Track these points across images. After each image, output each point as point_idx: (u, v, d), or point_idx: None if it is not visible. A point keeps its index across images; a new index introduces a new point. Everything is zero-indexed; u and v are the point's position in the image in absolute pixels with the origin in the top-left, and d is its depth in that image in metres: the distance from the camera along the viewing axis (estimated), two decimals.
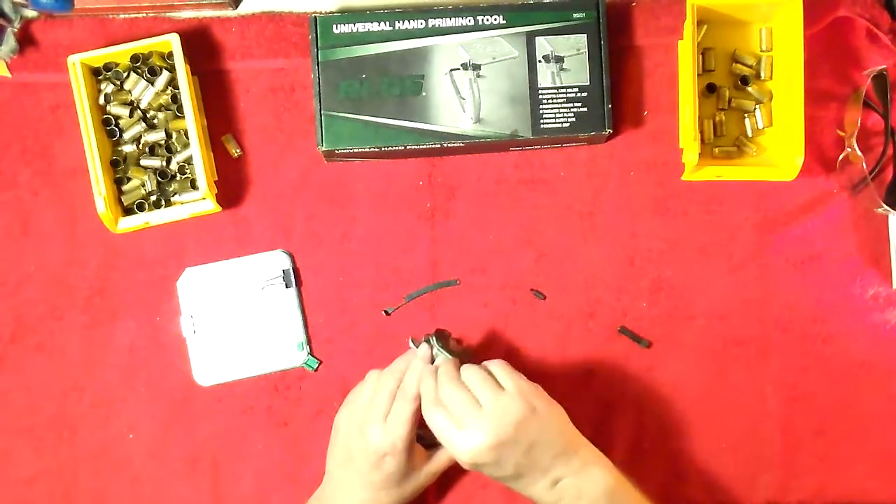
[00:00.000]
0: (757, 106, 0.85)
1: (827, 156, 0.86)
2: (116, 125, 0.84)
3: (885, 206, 0.82)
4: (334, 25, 0.82)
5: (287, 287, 0.84)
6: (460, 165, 0.86)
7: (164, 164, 0.84)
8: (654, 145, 0.86)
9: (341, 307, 0.85)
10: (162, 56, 0.84)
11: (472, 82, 0.81)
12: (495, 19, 0.82)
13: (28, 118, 0.86)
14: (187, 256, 0.85)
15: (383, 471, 0.73)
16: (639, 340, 0.85)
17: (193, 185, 0.83)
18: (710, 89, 0.85)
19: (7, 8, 0.83)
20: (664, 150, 0.86)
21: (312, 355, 0.84)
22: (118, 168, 0.84)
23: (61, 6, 0.79)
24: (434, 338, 0.78)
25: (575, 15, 0.82)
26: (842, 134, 0.86)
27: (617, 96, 0.85)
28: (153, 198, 0.84)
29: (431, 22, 0.82)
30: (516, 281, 0.85)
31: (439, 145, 0.82)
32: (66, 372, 0.84)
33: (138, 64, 0.83)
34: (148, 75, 0.84)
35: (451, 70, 0.81)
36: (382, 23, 0.82)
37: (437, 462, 0.76)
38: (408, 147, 0.82)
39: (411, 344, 0.79)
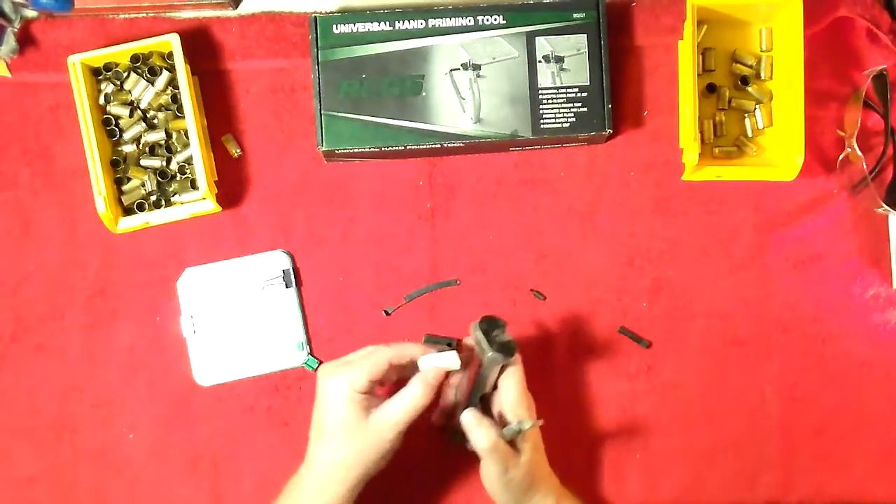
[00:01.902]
0: (757, 106, 0.85)
1: (827, 156, 0.86)
2: (116, 125, 0.84)
3: (885, 206, 0.82)
4: (334, 25, 0.82)
5: (287, 287, 0.84)
6: (460, 165, 0.86)
7: (164, 164, 0.84)
8: (654, 145, 0.86)
9: (341, 307, 0.85)
10: (162, 56, 0.84)
11: (472, 82, 0.81)
12: (495, 19, 0.82)
13: (28, 118, 0.86)
14: (187, 256, 0.85)
15: (335, 418, 0.71)
16: (639, 340, 0.85)
17: (193, 185, 0.83)
18: (710, 89, 0.85)
19: (7, 8, 0.83)
20: (664, 150, 0.86)
21: (312, 355, 0.84)
22: (118, 168, 0.84)
23: (61, 6, 0.79)
24: (479, 328, 0.72)
25: (575, 15, 0.82)
26: (842, 134, 0.86)
27: (617, 96, 0.85)
28: (153, 198, 0.84)
29: (431, 22, 0.82)
30: (516, 281, 0.85)
31: (439, 145, 0.82)
32: (66, 372, 0.84)
33: (138, 64, 0.83)
34: (148, 75, 0.84)
35: (451, 70, 0.81)
36: (382, 23, 0.82)
37: (389, 410, 0.71)
38: (408, 147, 0.82)
39: (472, 330, 0.73)
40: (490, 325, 0.72)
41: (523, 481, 0.72)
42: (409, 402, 0.71)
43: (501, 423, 0.74)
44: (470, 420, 0.72)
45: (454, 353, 0.73)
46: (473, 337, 0.72)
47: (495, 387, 0.75)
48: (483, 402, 0.75)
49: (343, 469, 0.71)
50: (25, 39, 0.86)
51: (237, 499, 0.84)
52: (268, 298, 0.84)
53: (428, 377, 0.72)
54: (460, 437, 0.75)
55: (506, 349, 0.71)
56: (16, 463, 0.84)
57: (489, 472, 0.72)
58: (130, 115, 0.84)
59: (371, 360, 0.72)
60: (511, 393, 0.74)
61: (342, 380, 0.71)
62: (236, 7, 0.87)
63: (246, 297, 0.84)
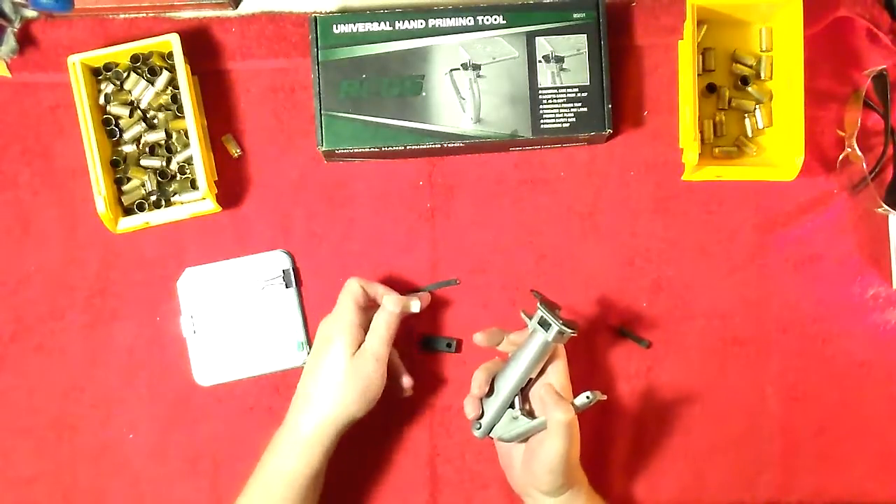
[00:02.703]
0: (757, 106, 0.85)
1: (827, 156, 0.86)
2: (116, 125, 0.84)
3: (885, 206, 0.82)
4: (334, 25, 0.82)
5: (287, 287, 0.84)
6: (460, 165, 0.86)
7: (164, 164, 0.84)
8: (654, 145, 0.86)
9: None
10: (162, 56, 0.84)
11: (472, 82, 0.81)
12: (495, 19, 0.82)
13: (28, 118, 0.86)
14: (187, 256, 0.85)
15: (328, 357, 0.76)
16: (639, 340, 0.85)
17: (193, 185, 0.83)
18: (710, 89, 0.85)
19: (7, 8, 0.83)
20: (664, 150, 0.86)
21: None
22: (118, 168, 0.84)
23: (61, 6, 0.79)
24: (544, 308, 0.74)
25: (575, 15, 0.82)
26: (842, 134, 0.86)
27: (617, 96, 0.85)
28: (153, 198, 0.84)
29: (431, 22, 0.82)
30: (516, 281, 0.85)
31: (439, 145, 0.82)
32: (66, 372, 0.84)
33: (138, 64, 0.83)
34: (148, 75, 0.84)
35: (451, 70, 0.81)
36: (382, 23, 0.82)
37: (365, 344, 0.77)
38: (408, 147, 0.82)
39: (524, 317, 0.76)
40: (550, 307, 0.75)
41: (573, 466, 0.73)
42: (377, 330, 0.77)
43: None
44: (550, 394, 0.73)
45: (417, 298, 0.80)
46: (535, 319, 0.74)
47: (539, 373, 0.76)
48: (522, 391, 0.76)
49: (332, 413, 0.75)
50: (25, 39, 0.85)
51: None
52: (268, 298, 0.84)
53: (388, 306, 0.77)
54: (484, 430, 0.76)
55: (570, 325, 0.73)
56: (16, 463, 0.84)
57: (555, 449, 0.72)
58: (130, 115, 0.84)
59: (349, 290, 0.78)
60: (562, 373, 0.76)
61: (342, 319, 0.77)
62: (236, 7, 0.87)
63: (246, 297, 0.84)
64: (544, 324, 0.73)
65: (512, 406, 0.75)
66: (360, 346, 0.76)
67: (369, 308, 0.79)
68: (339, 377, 0.75)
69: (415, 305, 0.80)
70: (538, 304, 0.74)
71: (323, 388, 0.76)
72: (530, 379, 0.75)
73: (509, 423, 0.75)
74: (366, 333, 0.77)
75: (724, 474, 0.84)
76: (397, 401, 0.81)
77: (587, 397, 0.72)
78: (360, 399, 0.75)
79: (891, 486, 0.84)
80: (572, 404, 0.72)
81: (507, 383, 0.75)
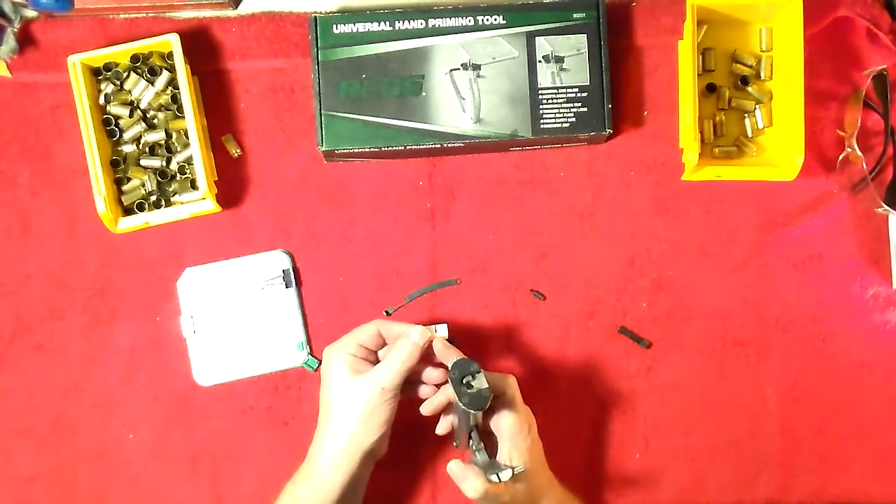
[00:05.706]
0: (757, 106, 0.85)
1: (827, 156, 0.86)
2: (116, 125, 0.84)
3: (885, 206, 0.82)
4: (334, 25, 0.82)
5: (287, 287, 0.84)
6: (460, 165, 0.86)
7: (164, 164, 0.84)
8: (654, 145, 0.86)
9: (341, 307, 0.85)
10: (162, 56, 0.84)
11: (472, 82, 0.81)
12: (495, 19, 0.82)
13: (28, 118, 0.86)
14: (187, 256, 0.85)
15: (329, 384, 0.74)
16: (639, 340, 0.85)
17: (193, 185, 0.83)
18: (710, 89, 0.85)
19: (7, 8, 0.83)
20: (664, 150, 0.86)
21: (312, 355, 0.84)
22: (118, 168, 0.84)
23: (61, 6, 0.79)
24: (450, 376, 0.69)
25: (575, 15, 0.82)
26: (842, 134, 0.86)
27: (617, 96, 0.85)
28: (153, 198, 0.84)
29: (431, 22, 0.82)
30: (516, 281, 0.85)
31: (439, 145, 0.82)
32: (66, 372, 0.84)
33: (138, 64, 0.83)
34: (148, 75, 0.84)
35: (451, 70, 0.81)
36: (382, 23, 0.82)
37: (374, 369, 0.73)
38: (408, 147, 0.82)
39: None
40: (462, 371, 0.69)
41: (524, 502, 0.72)
42: (391, 359, 0.73)
43: (497, 447, 0.73)
44: (455, 472, 0.70)
45: (445, 325, 0.76)
46: (449, 381, 0.69)
47: (492, 408, 0.72)
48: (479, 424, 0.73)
49: (338, 441, 0.72)
50: (25, 39, 0.85)
51: (237, 499, 0.84)
52: (268, 298, 0.84)
53: (413, 337, 0.73)
54: (459, 446, 0.75)
55: (477, 400, 0.67)
56: (16, 463, 0.84)
57: None
58: (130, 115, 0.84)
59: (361, 328, 0.76)
60: (511, 421, 0.72)
61: (334, 346, 0.76)
62: (236, 7, 0.87)
63: (246, 297, 0.84)
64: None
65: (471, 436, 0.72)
66: (358, 370, 0.73)
67: (381, 346, 0.77)
68: (340, 404, 0.73)
69: (441, 329, 0.76)
70: (449, 374, 0.69)
71: (327, 417, 0.73)
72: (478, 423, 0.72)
73: (472, 451, 0.72)
74: (371, 361, 0.75)
75: (724, 474, 0.84)
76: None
77: (506, 473, 0.68)
78: (366, 426, 0.72)
79: (891, 486, 0.84)
80: (488, 479, 0.68)
81: (456, 419, 0.73)
